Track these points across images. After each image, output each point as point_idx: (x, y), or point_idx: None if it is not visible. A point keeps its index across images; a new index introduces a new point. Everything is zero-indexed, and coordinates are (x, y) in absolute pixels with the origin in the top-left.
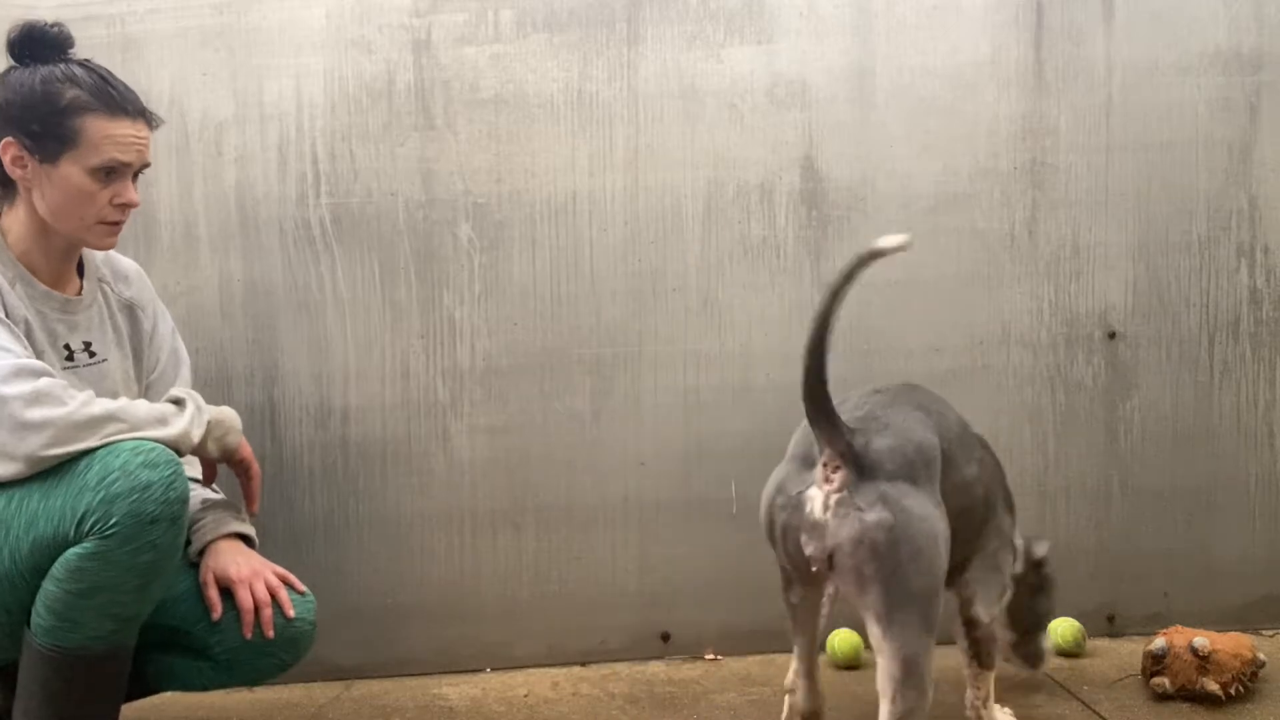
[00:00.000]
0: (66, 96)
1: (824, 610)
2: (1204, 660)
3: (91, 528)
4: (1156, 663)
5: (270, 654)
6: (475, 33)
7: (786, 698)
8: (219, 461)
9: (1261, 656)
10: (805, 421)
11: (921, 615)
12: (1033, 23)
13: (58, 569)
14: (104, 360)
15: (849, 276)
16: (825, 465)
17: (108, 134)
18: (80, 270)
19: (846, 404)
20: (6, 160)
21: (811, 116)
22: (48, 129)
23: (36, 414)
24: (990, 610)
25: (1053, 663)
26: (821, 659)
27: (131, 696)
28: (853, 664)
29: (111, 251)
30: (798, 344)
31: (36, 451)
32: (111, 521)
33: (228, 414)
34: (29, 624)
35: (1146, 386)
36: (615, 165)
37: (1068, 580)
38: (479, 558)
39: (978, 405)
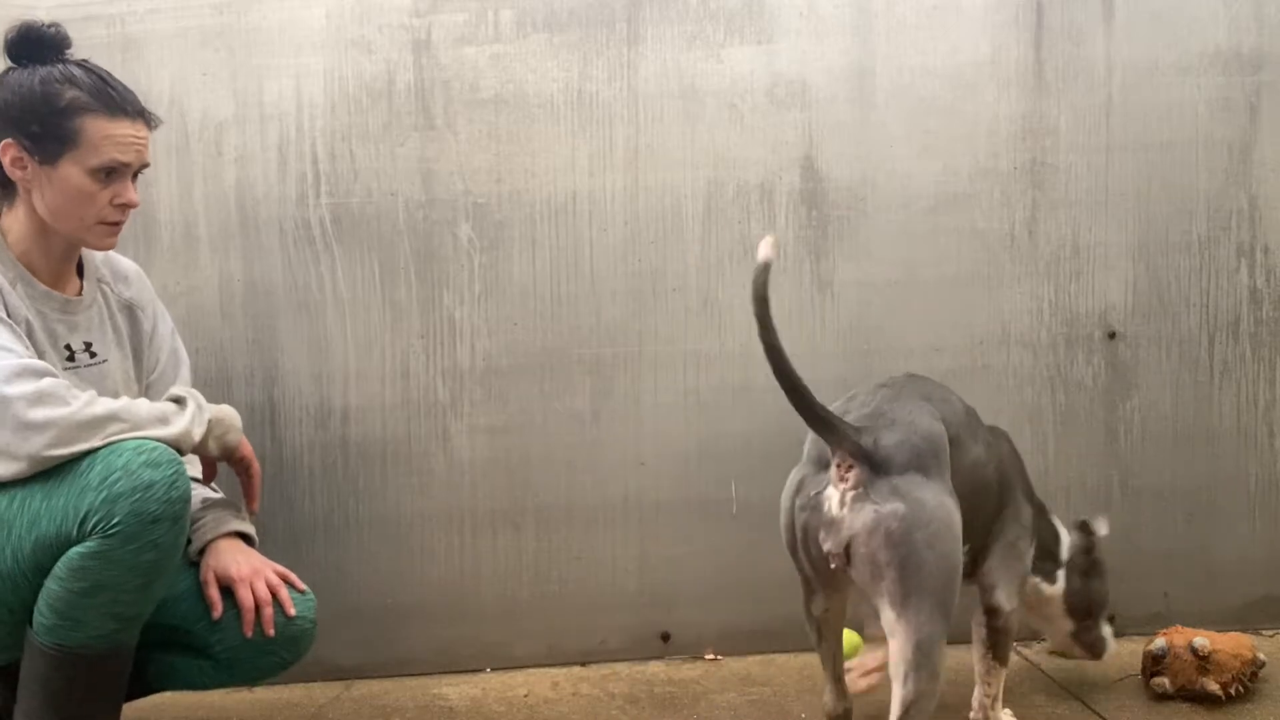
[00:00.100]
0: (66, 97)
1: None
2: (1204, 660)
3: (94, 527)
4: (1156, 663)
5: (271, 652)
6: (475, 33)
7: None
8: (219, 460)
9: (1261, 656)
10: None
11: (936, 601)
12: (1033, 23)
13: (60, 568)
14: (104, 361)
15: (763, 298)
16: (839, 466)
17: (107, 134)
18: (80, 271)
19: (854, 401)
20: (6, 161)
21: (811, 116)
22: (47, 130)
23: (40, 414)
24: (1012, 599)
25: (1056, 661)
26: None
27: (132, 696)
28: None
29: (111, 252)
30: (798, 344)
31: (40, 452)
32: (114, 521)
33: (228, 412)
34: (31, 623)
35: (1146, 386)
36: (615, 165)
37: None
38: (479, 558)
39: (978, 405)
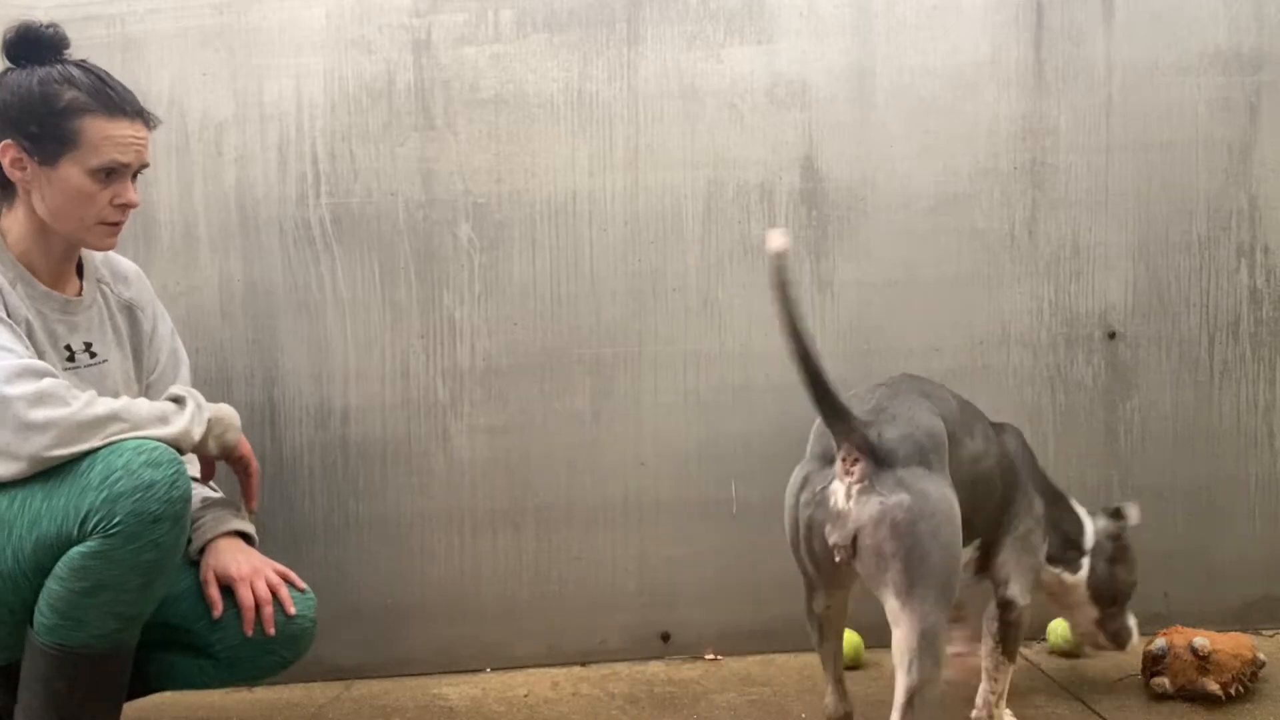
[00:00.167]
0: (65, 98)
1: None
2: (1204, 660)
3: (95, 526)
4: (1156, 663)
5: (271, 651)
6: (475, 33)
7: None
8: (218, 459)
9: (1261, 656)
10: (819, 420)
11: (939, 590)
12: (1033, 23)
13: (61, 568)
14: (105, 361)
15: (783, 284)
16: (845, 460)
17: (107, 135)
18: (80, 271)
19: (853, 400)
20: (5, 162)
21: (811, 116)
22: (46, 131)
23: (40, 414)
24: (1025, 593)
25: (1056, 661)
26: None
27: (133, 695)
28: (854, 664)
29: (110, 252)
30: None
31: (40, 452)
32: (115, 520)
33: (226, 411)
34: (32, 623)
35: (1146, 386)
36: (615, 165)
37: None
38: (479, 558)
39: (978, 405)
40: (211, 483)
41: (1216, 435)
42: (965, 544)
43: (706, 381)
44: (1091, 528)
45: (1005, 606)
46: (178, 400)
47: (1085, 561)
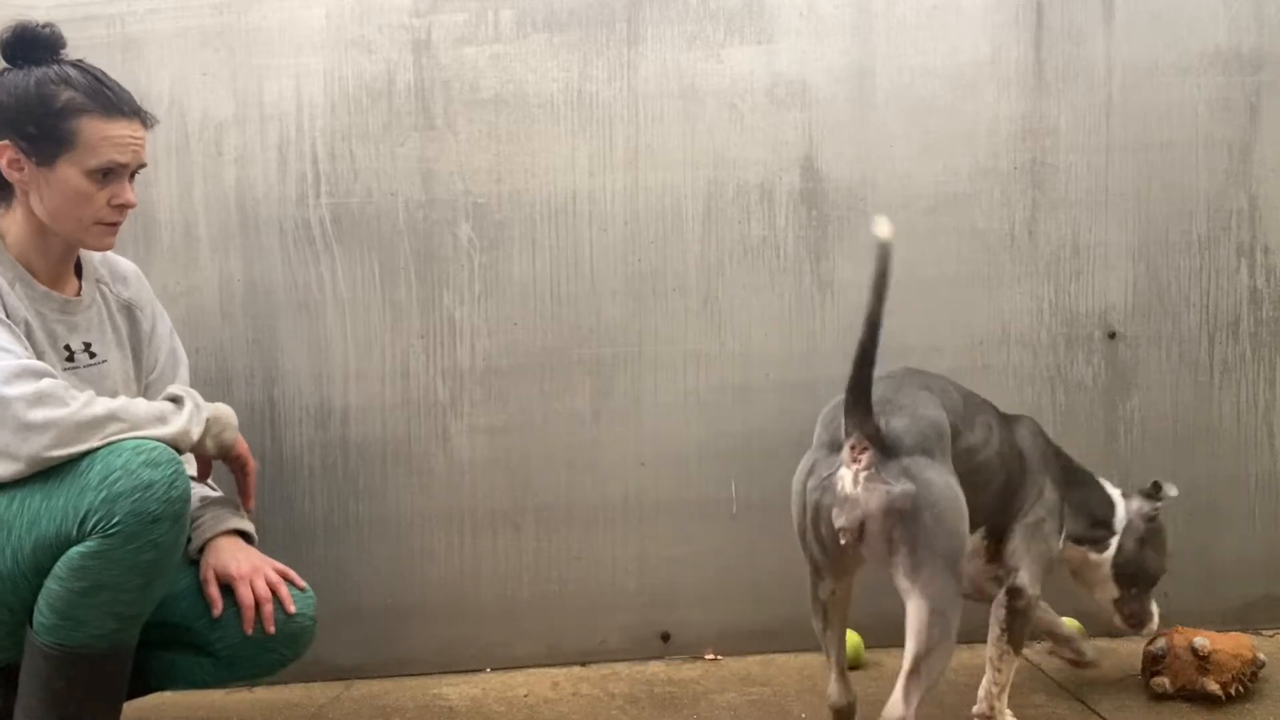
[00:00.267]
0: (62, 98)
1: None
2: (1204, 660)
3: (94, 526)
4: (1156, 663)
5: (271, 650)
6: (475, 33)
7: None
8: (216, 458)
9: (1261, 656)
10: (826, 410)
11: (946, 572)
12: (1033, 23)
13: (60, 568)
14: (104, 361)
15: (884, 273)
16: (853, 447)
17: (104, 135)
18: (79, 271)
19: None
20: (3, 163)
21: (811, 116)
22: (44, 131)
23: (39, 415)
24: (1035, 581)
25: (1056, 661)
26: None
27: (133, 694)
28: (854, 664)
29: (109, 252)
30: (798, 344)
31: (39, 452)
32: (114, 520)
33: (224, 411)
34: (31, 623)
35: (1146, 386)
36: (615, 165)
37: (1066, 581)
38: (479, 558)
39: None
40: (210, 481)
41: (1216, 435)
42: (970, 531)
43: (706, 381)
44: (1123, 508)
45: (1014, 594)
46: (176, 400)
47: (1113, 541)
